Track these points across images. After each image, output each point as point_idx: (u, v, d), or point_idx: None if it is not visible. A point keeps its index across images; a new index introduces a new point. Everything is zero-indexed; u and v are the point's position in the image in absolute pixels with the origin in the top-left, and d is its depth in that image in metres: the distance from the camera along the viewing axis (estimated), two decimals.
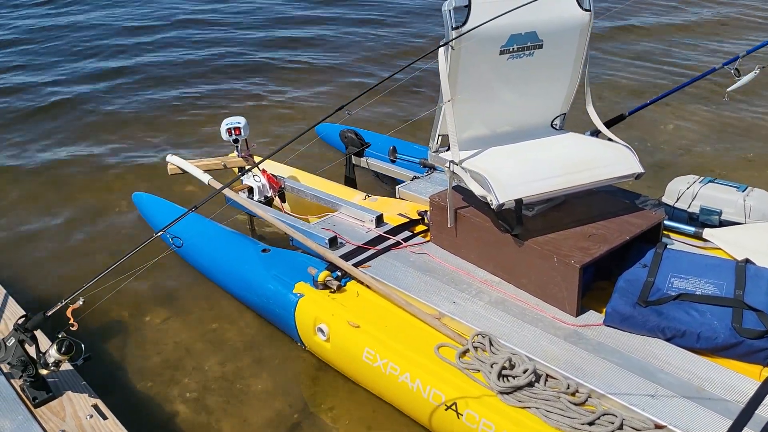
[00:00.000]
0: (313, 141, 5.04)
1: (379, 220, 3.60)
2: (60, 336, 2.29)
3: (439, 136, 3.19)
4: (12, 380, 2.44)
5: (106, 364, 3.30)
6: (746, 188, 3.32)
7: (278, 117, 6.16)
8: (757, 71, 3.35)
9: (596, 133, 3.52)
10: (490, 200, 2.86)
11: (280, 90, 6.73)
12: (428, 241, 3.45)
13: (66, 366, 2.51)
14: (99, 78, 7.15)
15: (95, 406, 2.36)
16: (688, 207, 3.39)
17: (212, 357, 3.34)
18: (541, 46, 3.10)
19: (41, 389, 2.39)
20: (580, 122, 3.44)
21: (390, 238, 3.46)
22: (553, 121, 3.43)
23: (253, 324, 3.51)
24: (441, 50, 2.94)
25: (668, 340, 2.69)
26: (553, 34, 3.10)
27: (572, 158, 3.08)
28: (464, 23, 2.90)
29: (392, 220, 3.65)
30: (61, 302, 2.22)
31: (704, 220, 3.35)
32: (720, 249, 3.22)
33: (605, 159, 3.09)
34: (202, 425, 2.94)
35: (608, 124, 3.67)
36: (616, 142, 3.21)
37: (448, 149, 3.11)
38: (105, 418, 2.31)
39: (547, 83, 3.25)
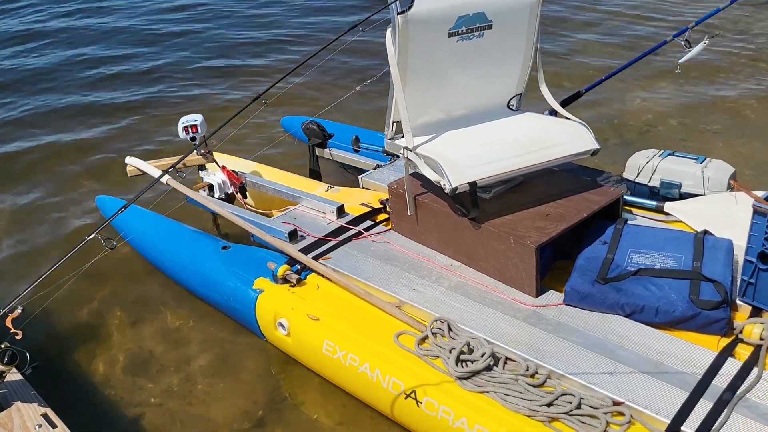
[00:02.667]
0: (282, 136, 5.00)
1: (341, 211, 3.56)
2: (2, 346, 2.24)
3: (393, 122, 3.15)
4: None
5: (65, 372, 3.25)
6: (704, 159, 3.30)
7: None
8: (706, 41, 3.33)
9: (555, 113, 3.49)
10: (444, 185, 2.82)
11: (236, 88, 6.66)
12: (389, 230, 3.41)
13: (16, 376, 2.46)
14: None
15: (45, 415, 2.32)
16: (649, 181, 3.38)
17: (175, 358, 3.29)
18: (490, 27, 3.06)
19: None
20: (543, 103, 3.40)
21: (351, 229, 3.43)
22: (509, 102, 3.39)
23: (217, 322, 3.47)
24: (389, 35, 2.89)
25: (628, 316, 2.67)
26: (502, 14, 3.06)
27: (527, 138, 3.05)
28: (410, 7, 2.85)
29: (354, 210, 3.61)
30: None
31: (665, 193, 3.34)
32: (681, 222, 3.20)
33: (560, 137, 3.06)
34: (164, 430, 2.90)
35: (566, 102, 3.65)
36: (572, 119, 3.18)
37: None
38: (54, 426, 2.27)
39: (500, 64, 3.21)
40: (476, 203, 2.91)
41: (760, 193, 2.62)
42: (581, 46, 6.99)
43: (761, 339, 2.48)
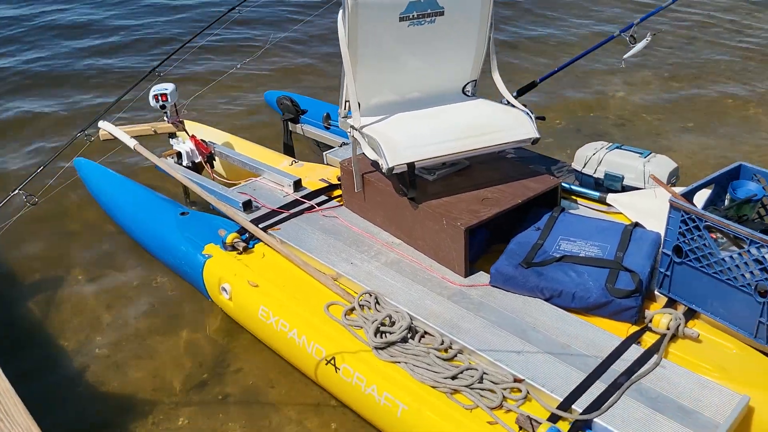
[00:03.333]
0: (264, 110, 5.12)
1: (297, 185, 3.68)
2: None
3: (345, 101, 3.25)
4: None
5: (15, 321, 3.42)
6: (649, 154, 3.38)
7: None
8: (649, 38, 3.39)
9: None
10: (382, 164, 2.94)
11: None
12: (341, 206, 3.53)
13: None
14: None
15: None
16: (594, 173, 3.46)
17: (127, 314, 3.46)
18: (442, 14, 3.14)
19: None
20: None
21: (305, 202, 3.55)
22: (464, 88, 3.48)
23: (174, 283, 3.62)
24: (339, 17, 2.99)
25: (548, 299, 2.79)
26: (454, 1, 3.14)
27: (471, 123, 3.15)
28: None
29: (313, 185, 3.74)
30: None
31: (608, 185, 3.43)
32: (621, 213, 3.29)
33: (503, 124, 3.15)
34: (109, 381, 3.07)
35: (522, 91, 3.73)
36: (518, 108, 3.26)
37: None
38: None
39: (452, 50, 3.29)
40: (414, 184, 3.02)
41: (680, 189, 2.71)
42: (538, 40, 7.03)
43: (667, 329, 2.59)
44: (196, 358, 3.17)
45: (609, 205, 3.37)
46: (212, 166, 4.10)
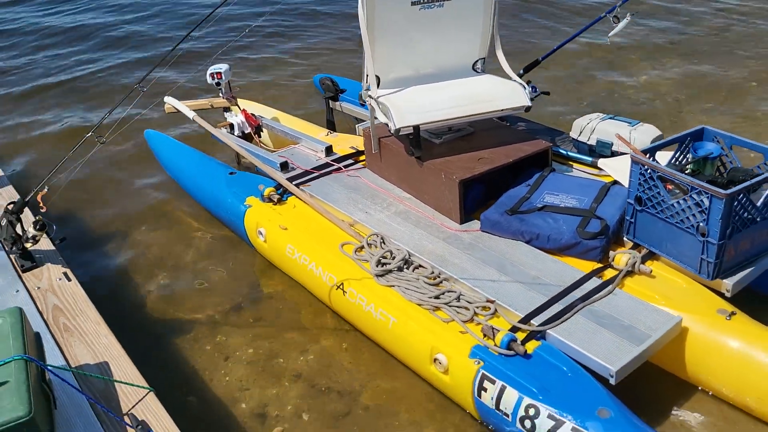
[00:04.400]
0: (314, 91, 5.71)
1: (329, 151, 4.24)
2: (36, 218, 3.07)
3: (367, 76, 3.78)
4: (6, 251, 3.25)
5: (87, 247, 4.20)
6: (637, 123, 3.77)
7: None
8: (629, 18, 3.76)
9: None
10: (390, 126, 3.46)
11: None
12: (364, 167, 4.07)
13: (49, 246, 3.31)
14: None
15: (65, 273, 3.14)
16: (588, 140, 3.87)
17: (183, 253, 4.10)
18: None
19: (27, 259, 3.19)
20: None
21: (333, 165, 4.11)
22: (474, 65, 3.95)
23: (223, 232, 4.24)
24: (359, 3, 3.52)
25: (527, 242, 3.25)
26: None
27: (472, 94, 3.62)
28: None
29: (343, 152, 4.29)
30: (33, 191, 3.00)
31: (599, 151, 3.83)
32: (609, 176, 3.70)
33: (499, 94, 3.61)
34: (163, 298, 3.73)
35: (527, 69, 4.17)
36: (515, 80, 3.71)
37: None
38: (69, 280, 3.09)
39: (461, 31, 3.77)
40: (419, 144, 3.53)
41: (643, 147, 3.12)
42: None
43: (625, 265, 3.01)
44: (236, 291, 3.77)
45: (600, 169, 3.77)
46: (260, 136, 4.71)
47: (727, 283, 2.88)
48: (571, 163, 3.90)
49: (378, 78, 3.76)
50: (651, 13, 7.67)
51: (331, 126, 5.11)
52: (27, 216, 3.32)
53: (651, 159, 3.11)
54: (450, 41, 3.80)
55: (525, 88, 3.64)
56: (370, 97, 3.65)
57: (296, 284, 3.66)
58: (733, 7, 7.78)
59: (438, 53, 3.82)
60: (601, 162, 3.77)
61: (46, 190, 2.99)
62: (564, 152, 3.94)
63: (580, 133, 3.91)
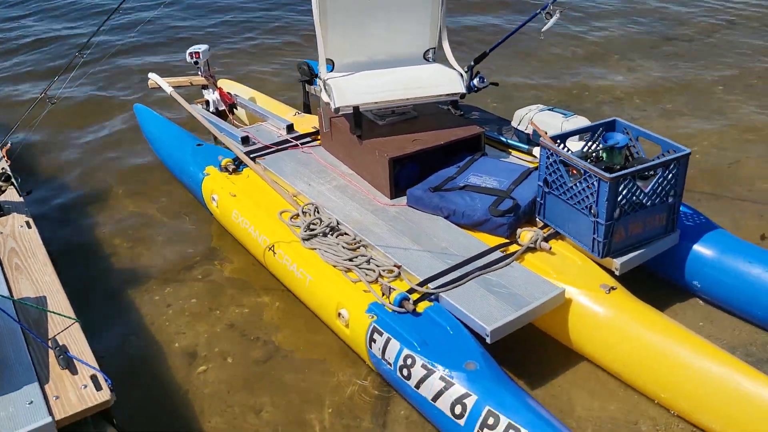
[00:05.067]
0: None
1: (290, 129, 4.55)
2: (1, 169, 3.44)
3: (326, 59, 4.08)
4: None
5: (51, 196, 4.64)
6: (571, 115, 4.00)
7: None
8: (558, 15, 3.99)
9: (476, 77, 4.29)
10: (331, 105, 3.75)
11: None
12: (319, 145, 4.37)
13: (17, 198, 3.67)
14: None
15: (27, 222, 3.50)
16: (526, 129, 4.12)
17: (149, 217, 4.46)
18: None
19: None
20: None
21: (291, 141, 4.42)
22: (426, 54, 4.21)
23: (187, 198, 4.59)
24: None
25: (446, 217, 3.52)
26: None
27: (413, 79, 3.89)
28: None
29: (304, 131, 4.59)
30: None
31: (535, 139, 4.07)
32: None
33: (438, 81, 3.87)
34: (121, 252, 4.10)
35: (477, 60, 4.42)
36: (456, 70, 3.97)
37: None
38: (30, 227, 3.45)
39: (409, 20, 4.03)
40: (360, 124, 3.81)
41: (554, 134, 3.36)
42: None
43: (528, 242, 3.27)
44: (190, 251, 4.10)
45: (534, 156, 4.02)
46: (233, 113, 5.04)
47: (616, 262, 3.12)
48: (510, 150, 4.15)
49: (333, 62, 4.05)
50: (642, 13, 7.85)
51: (307, 109, 5.40)
52: None
53: (561, 145, 3.35)
54: (400, 30, 4.06)
55: (463, 76, 3.90)
56: (319, 78, 3.94)
57: (243, 247, 3.98)
58: (721, 8, 7.91)
59: (389, 41, 4.09)
60: (535, 150, 4.01)
61: (9, 145, 3.35)
62: (504, 140, 4.19)
63: (519, 122, 4.16)
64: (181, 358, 3.29)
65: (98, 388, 2.46)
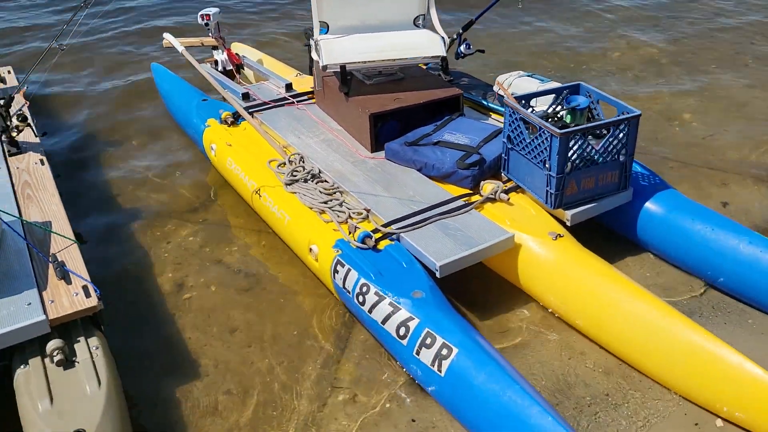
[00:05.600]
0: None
1: (288, 87, 4.87)
2: (18, 111, 3.82)
3: (319, 21, 4.37)
4: None
5: (65, 140, 5.10)
6: (548, 81, 4.24)
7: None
8: None
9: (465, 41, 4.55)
10: (319, 63, 4.05)
11: None
12: (314, 103, 4.69)
13: (33, 138, 4.06)
14: None
15: (41, 160, 3.89)
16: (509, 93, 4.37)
17: (158, 165, 4.84)
18: None
19: (14, 146, 3.95)
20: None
21: (288, 99, 4.74)
22: (416, 20, 4.48)
23: (191, 151, 4.96)
24: None
25: (419, 170, 3.81)
26: None
27: (398, 43, 4.17)
28: None
29: (303, 90, 4.90)
30: (17, 89, 3.75)
31: None
32: None
33: (420, 45, 4.14)
34: (129, 193, 4.50)
35: (465, 27, 4.67)
36: (440, 34, 4.23)
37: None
38: (43, 164, 3.84)
39: None
40: (346, 82, 4.11)
41: (520, 94, 3.62)
42: None
43: (488, 193, 3.55)
44: (194, 196, 4.46)
45: None
46: (239, 73, 5.37)
47: (568, 214, 3.39)
48: (490, 113, 4.41)
49: (328, 24, 4.35)
50: None
51: (311, 71, 5.72)
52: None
53: (525, 105, 3.61)
54: None
55: (445, 41, 4.16)
56: (312, 39, 4.25)
57: (236, 193, 4.33)
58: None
59: (380, 7, 4.37)
60: None
61: (26, 87, 3.72)
62: (485, 103, 4.45)
63: (503, 85, 4.41)
64: (171, 285, 3.66)
65: (88, 296, 2.83)
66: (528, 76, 4.38)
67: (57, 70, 6.06)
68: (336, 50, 4.06)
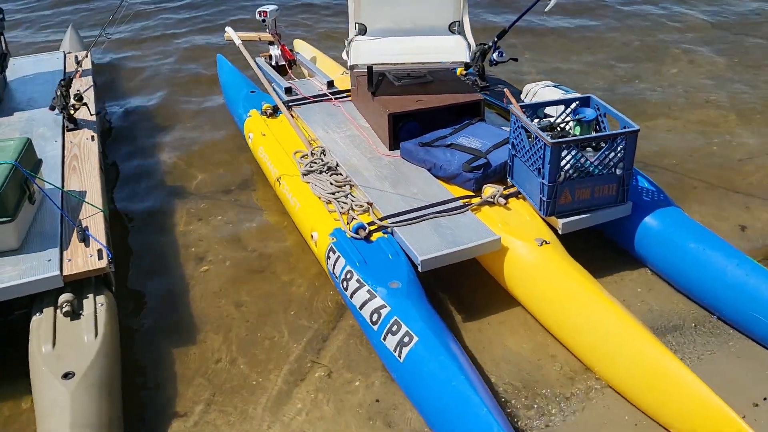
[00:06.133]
0: None
1: (330, 84, 5.13)
2: (76, 92, 4.28)
3: (356, 23, 4.62)
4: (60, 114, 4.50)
5: (129, 118, 5.70)
6: (571, 92, 4.31)
7: None
8: None
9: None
10: (348, 62, 4.29)
11: None
12: (350, 100, 4.94)
13: (89, 116, 4.52)
14: None
15: (92, 136, 4.33)
16: (530, 101, 4.47)
17: (207, 142, 5.31)
18: None
19: (72, 122, 4.42)
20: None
21: (327, 95, 5.01)
22: (451, 26, 4.64)
23: (236, 135, 5.34)
24: None
25: (429, 170, 3.99)
26: None
27: (424, 46, 4.35)
28: None
29: (343, 87, 5.16)
30: (74, 71, 4.20)
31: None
32: None
33: (445, 49, 4.31)
34: (170, 171, 4.92)
35: (500, 36, 4.79)
36: (469, 42, 4.38)
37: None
38: (93, 140, 4.28)
39: None
40: (371, 82, 4.33)
41: (528, 104, 3.73)
42: None
43: (486, 196, 3.68)
44: (230, 180, 4.82)
45: None
46: (291, 68, 5.69)
47: (559, 222, 3.48)
48: None
49: (365, 26, 4.58)
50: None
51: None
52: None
53: (531, 114, 3.72)
54: (427, 3, 4.51)
55: (470, 47, 4.31)
56: (347, 39, 4.50)
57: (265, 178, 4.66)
58: None
59: (417, 12, 4.55)
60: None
61: (81, 70, 4.17)
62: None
63: (526, 95, 4.51)
64: (193, 258, 4.01)
65: (101, 258, 3.19)
66: (554, 86, 4.46)
67: (127, 48, 6.65)
68: (364, 51, 4.29)
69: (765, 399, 2.87)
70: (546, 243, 3.37)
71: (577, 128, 3.70)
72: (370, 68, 4.29)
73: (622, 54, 6.75)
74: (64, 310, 3.00)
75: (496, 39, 4.79)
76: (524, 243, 3.38)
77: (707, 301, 3.34)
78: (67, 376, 2.70)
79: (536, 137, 3.40)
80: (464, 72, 5.02)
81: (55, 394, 2.63)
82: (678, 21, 7.58)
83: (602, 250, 3.79)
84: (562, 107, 3.81)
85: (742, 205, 4.25)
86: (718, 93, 5.81)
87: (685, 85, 5.99)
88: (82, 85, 5.00)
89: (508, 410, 2.90)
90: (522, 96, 4.55)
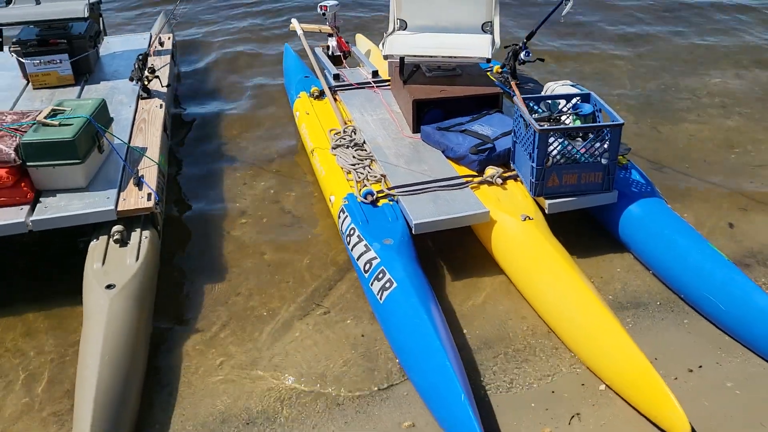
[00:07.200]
0: None
1: (375, 74, 5.67)
2: (150, 65, 4.99)
3: (397, 19, 5.14)
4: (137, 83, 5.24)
5: (198, 89, 6.46)
6: (585, 92, 4.67)
7: None
8: (571, 2, 4.58)
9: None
10: (382, 53, 4.82)
11: None
12: (389, 88, 5.46)
13: (161, 88, 5.24)
14: None
15: (161, 104, 5.04)
16: None
17: (264, 117, 5.98)
18: None
19: (145, 92, 5.14)
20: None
21: (370, 83, 5.55)
22: (484, 26, 5.09)
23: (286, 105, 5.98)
24: None
25: (443, 151, 4.46)
26: None
27: (452, 42, 4.81)
28: None
29: (386, 76, 5.69)
30: (148, 48, 4.91)
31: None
32: None
33: (471, 45, 4.76)
34: (232, 135, 5.64)
35: (529, 36, 5.19)
36: (494, 39, 4.81)
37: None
38: (161, 108, 4.99)
39: None
40: (404, 72, 4.84)
41: (534, 96, 4.15)
42: None
43: (486, 176, 4.13)
44: (276, 150, 5.45)
45: None
46: (346, 59, 6.26)
47: (547, 202, 3.89)
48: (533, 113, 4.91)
49: (405, 22, 5.10)
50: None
51: None
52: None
53: (533, 104, 4.14)
54: (463, 3, 4.98)
55: (494, 45, 4.75)
56: (386, 33, 5.03)
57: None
58: None
59: (453, 11, 5.02)
60: None
61: (154, 46, 4.87)
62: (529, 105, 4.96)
63: (546, 91, 4.90)
64: (235, 211, 4.64)
65: (149, 200, 3.85)
66: (571, 85, 4.82)
67: (204, 31, 7.44)
68: (398, 44, 4.80)
69: (700, 367, 3.20)
70: (530, 219, 3.78)
71: (577, 121, 4.08)
72: (402, 59, 4.80)
73: (669, 56, 6.98)
74: (114, 237, 3.66)
75: (525, 40, 5.20)
76: (510, 217, 3.81)
77: (673, 283, 3.67)
78: (109, 287, 3.35)
79: (528, 125, 3.82)
80: (500, 70, 5.46)
81: (98, 299, 3.28)
82: (734, 36, 7.69)
83: (592, 232, 4.15)
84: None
85: (740, 206, 4.50)
86: (753, 107, 5.97)
87: (723, 96, 6.18)
88: (160, 61, 5.75)
89: (477, 362, 3.33)
90: (543, 92, 4.93)
